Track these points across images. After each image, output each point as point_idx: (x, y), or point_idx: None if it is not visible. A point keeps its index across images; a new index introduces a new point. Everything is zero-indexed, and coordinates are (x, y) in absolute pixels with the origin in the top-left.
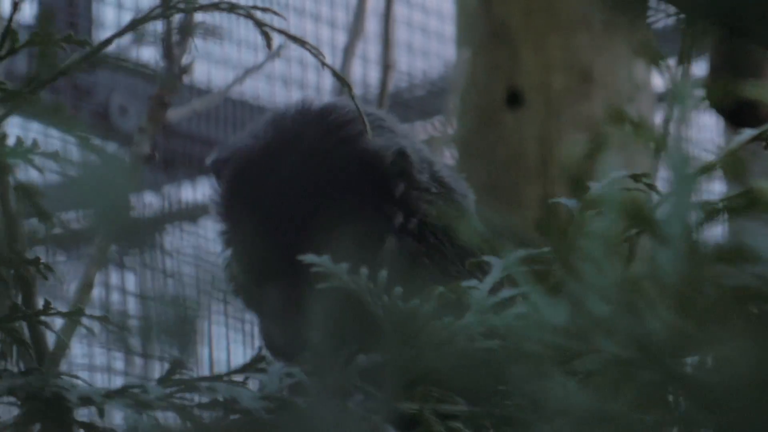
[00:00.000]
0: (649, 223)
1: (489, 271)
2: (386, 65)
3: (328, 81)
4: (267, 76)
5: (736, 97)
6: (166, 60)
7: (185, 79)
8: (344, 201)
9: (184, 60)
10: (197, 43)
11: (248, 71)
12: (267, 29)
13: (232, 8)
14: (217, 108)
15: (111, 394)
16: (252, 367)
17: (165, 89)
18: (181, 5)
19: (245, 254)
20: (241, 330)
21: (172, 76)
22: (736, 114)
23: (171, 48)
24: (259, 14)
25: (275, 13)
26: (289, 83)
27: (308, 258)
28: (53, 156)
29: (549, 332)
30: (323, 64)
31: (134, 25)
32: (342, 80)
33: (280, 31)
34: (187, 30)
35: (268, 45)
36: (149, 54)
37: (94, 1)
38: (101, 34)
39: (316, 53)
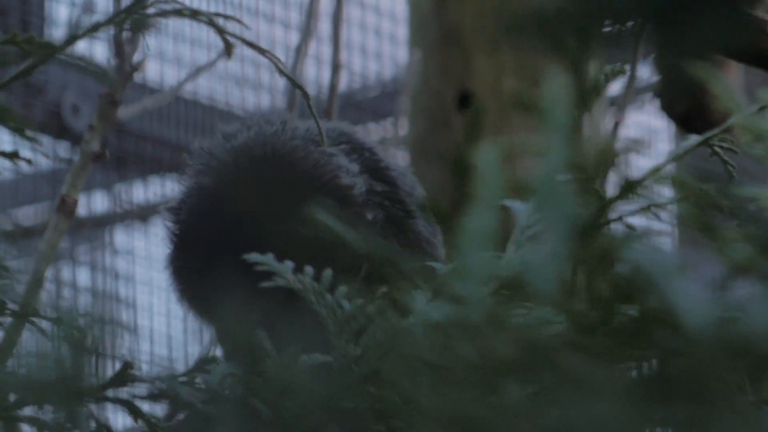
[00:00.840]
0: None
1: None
2: (336, 65)
3: (281, 81)
4: (221, 75)
5: (687, 102)
6: (117, 58)
7: (137, 77)
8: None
9: (136, 58)
10: (149, 41)
11: (200, 70)
12: (228, 37)
13: (195, 15)
14: (169, 107)
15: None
16: (199, 368)
17: (115, 87)
18: (143, 11)
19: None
20: (183, 327)
21: (123, 74)
22: (686, 118)
23: (122, 46)
24: (221, 21)
25: (238, 21)
26: (243, 83)
27: (252, 257)
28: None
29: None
30: (281, 72)
31: (96, 28)
32: (299, 87)
33: (243, 40)
34: (138, 28)
35: (228, 52)
36: (101, 52)
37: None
38: (54, 32)
39: (276, 61)
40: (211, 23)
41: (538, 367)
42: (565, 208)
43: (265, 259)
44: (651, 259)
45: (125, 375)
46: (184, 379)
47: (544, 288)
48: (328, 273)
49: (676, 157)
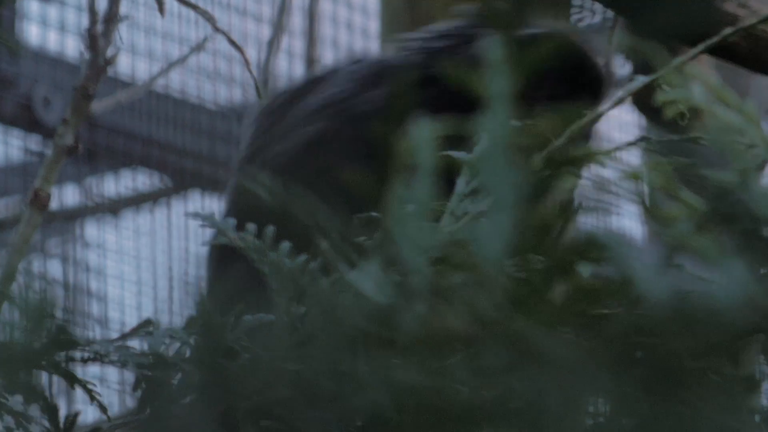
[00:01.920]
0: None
1: None
2: (310, 60)
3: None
4: (194, 70)
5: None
6: (90, 51)
7: (109, 70)
8: None
9: (109, 52)
10: (122, 35)
11: (172, 64)
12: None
13: None
14: (140, 101)
15: None
16: (140, 329)
17: (89, 81)
18: None
19: None
20: (137, 292)
21: (96, 68)
22: (656, 111)
23: (95, 39)
24: None
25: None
26: (215, 77)
27: (194, 215)
28: None
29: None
30: (231, 42)
31: None
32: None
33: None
34: (111, 21)
35: (161, 11)
36: (74, 45)
37: None
38: (25, 27)
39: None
40: None
41: (483, 338)
42: (509, 177)
43: (207, 216)
44: (605, 232)
45: (62, 340)
46: (122, 342)
47: (492, 257)
48: (270, 230)
49: (619, 101)
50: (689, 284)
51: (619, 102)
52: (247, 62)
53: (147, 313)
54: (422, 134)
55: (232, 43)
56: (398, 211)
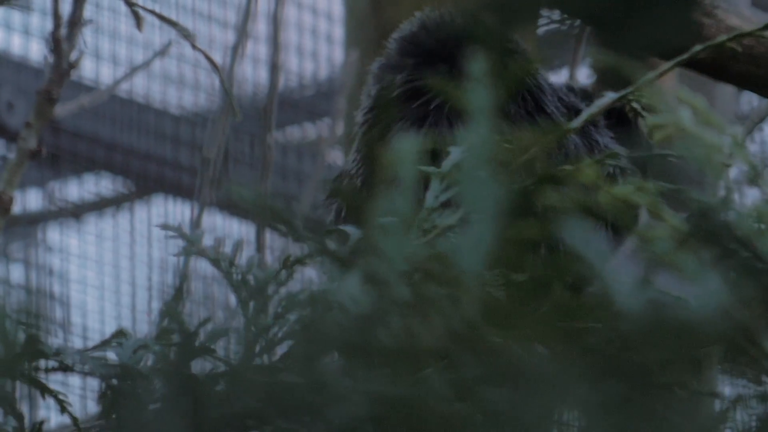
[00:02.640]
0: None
1: None
2: (275, 66)
3: (218, 80)
4: (160, 76)
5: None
6: (54, 55)
7: (73, 74)
8: None
9: (73, 56)
10: (86, 39)
11: (135, 68)
12: (137, 9)
13: None
14: (105, 105)
15: None
16: (110, 341)
17: (53, 85)
18: None
19: None
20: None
21: (60, 72)
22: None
23: (59, 43)
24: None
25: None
26: (179, 82)
27: (164, 226)
28: None
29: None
30: (193, 46)
31: None
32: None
33: (150, 11)
34: (75, 25)
35: (138, 25)
36: (37, 49)
37: None
38: None
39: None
40: None
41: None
42: (489, 190)
43: (176, 228)
44: (583, 242)
45: (33, 350)
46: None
47: (471, 269)
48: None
49: (590, 117)
50: (666, 298)
51: (590, 118)
52: (219, 74)
53: (110, 318)
54: (405, 147)
55: (209, 59)
56: (379, 223)
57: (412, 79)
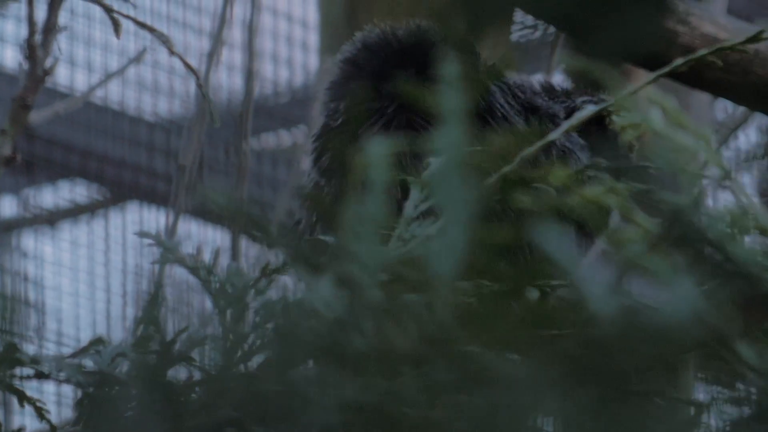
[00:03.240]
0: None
1: None
2: (250, 72)
3: (193, 87)
4: (135, 83)
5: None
6: (28, 62)
7: (48, 81)
8: None
9: (47, 62)
10: (60, 46)
11: (110, 75)
12: (117, 16)
13: None
14: (79, 112)
15: None
16: (88, 348)
17: (27, 91)
18: None
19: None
20: (92, 331)
21: (34, 78)
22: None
23: (34, 50)
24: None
25: None
26: (154, 89)
27: (142, 234)
28: None
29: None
30: (171, 51)
31: None
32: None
33: (129, 17)
34: (50, 32)
35: (117, 32)
36: (12, 56)
37: None
38: None
39: (165, 40)
40: (97, 1)
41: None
42: (462, 195)
43: (155, 236)
44: (557, 248)
45: (10, 357)
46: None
47: (445, 273)
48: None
49: (571, 128)
50: (639, 302)
51: (570, 129)
52: (198, 80)
53: (85, 324)
54: (377, 152)
55: (188, 66)
56: (353, 229)
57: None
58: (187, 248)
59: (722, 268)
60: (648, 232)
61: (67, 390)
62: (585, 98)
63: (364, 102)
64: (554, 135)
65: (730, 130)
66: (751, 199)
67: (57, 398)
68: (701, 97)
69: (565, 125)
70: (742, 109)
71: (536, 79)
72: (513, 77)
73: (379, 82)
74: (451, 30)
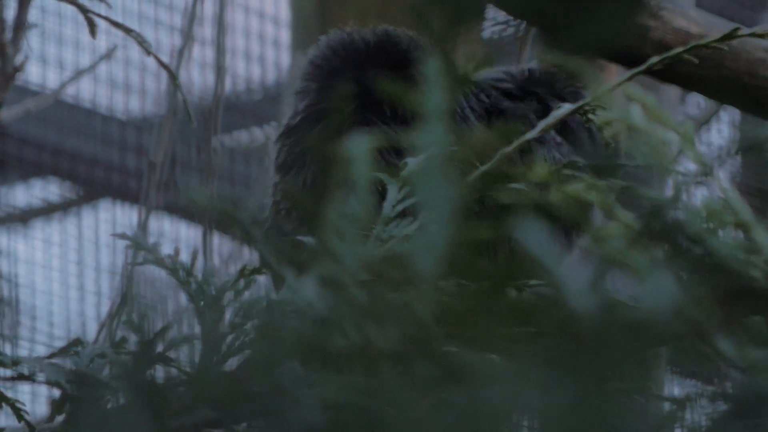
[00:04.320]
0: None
1: None
2: (219, 69)
3: (164, 86)
4: (106, 81)
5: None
6: None
7: (19, 79)
8: None
9: (18, 59)
10: (31, 43)
11: (81, 72)
12: (91, 16)
13: None
14: (51, 110)
15: None
16: (67, 349)
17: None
18: None
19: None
20: (67, 330)
21: (5, 76)
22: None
23: (4, 47)
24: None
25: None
26: (125, 88)
27: (121, 235)
28: None
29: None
30: (147, 51)
31: None
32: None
33: (104, 17)
34: (20, 29)
35: (92, 32)
36: None
37: None
38: None
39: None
40: (72, 2)
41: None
42: (445, 192)
43: (134, 237)
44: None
45: None
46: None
47: (426, 271)
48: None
49: (548, 127)
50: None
51: (547, 128)
52: (175, 80)
53: (58, 322)
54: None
55: (164, 66)
56: (335, 226)
57: (315, 104)
58: (163, 247)
59: (701, 263)
60: (628, 227)
61: (41, 388)
62: (572, 88)
63: (324, 102)
64: (531, 134)
65: (701, 123)
66: (730, 193)
67: (31, 396)
68: (672, 91)
69: (542, 124)
70: (713, 102)
71: (530, 67)
72: (492, 75)
73: (341, 83)
74: (426, 26)
